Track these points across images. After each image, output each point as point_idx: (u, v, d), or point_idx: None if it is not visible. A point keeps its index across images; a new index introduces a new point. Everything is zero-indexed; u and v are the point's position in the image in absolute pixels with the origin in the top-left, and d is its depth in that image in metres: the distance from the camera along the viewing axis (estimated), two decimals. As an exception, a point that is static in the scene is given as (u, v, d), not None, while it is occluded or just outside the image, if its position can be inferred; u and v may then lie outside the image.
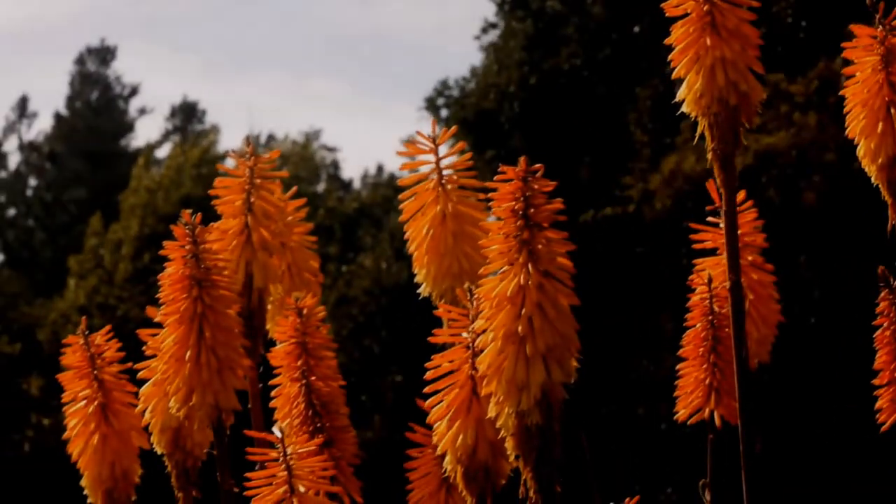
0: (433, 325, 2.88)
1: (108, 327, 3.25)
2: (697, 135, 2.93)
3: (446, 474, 2.83)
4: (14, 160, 39.49)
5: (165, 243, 2.90)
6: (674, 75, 2.88)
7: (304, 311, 3.08)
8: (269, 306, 3.37)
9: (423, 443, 3.02)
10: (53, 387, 20.46)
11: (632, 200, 16.12)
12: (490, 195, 2.64)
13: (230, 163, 3.38)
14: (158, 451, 3.18)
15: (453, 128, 3.33)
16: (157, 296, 2.93)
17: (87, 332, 3.19)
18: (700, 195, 3.77)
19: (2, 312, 23.62)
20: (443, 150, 3.19)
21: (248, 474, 2.76)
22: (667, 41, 2.91)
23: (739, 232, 3.07)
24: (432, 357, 2.78)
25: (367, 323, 17.63)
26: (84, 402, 3.18)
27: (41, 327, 22.13)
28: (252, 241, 3.29)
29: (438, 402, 2.78)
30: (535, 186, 2.60)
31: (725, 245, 2.95)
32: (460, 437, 2.76)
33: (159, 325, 2.97)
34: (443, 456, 2.79)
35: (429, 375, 2.78)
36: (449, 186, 3.18)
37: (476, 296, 2.71)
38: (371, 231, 20.30)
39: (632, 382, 15.62)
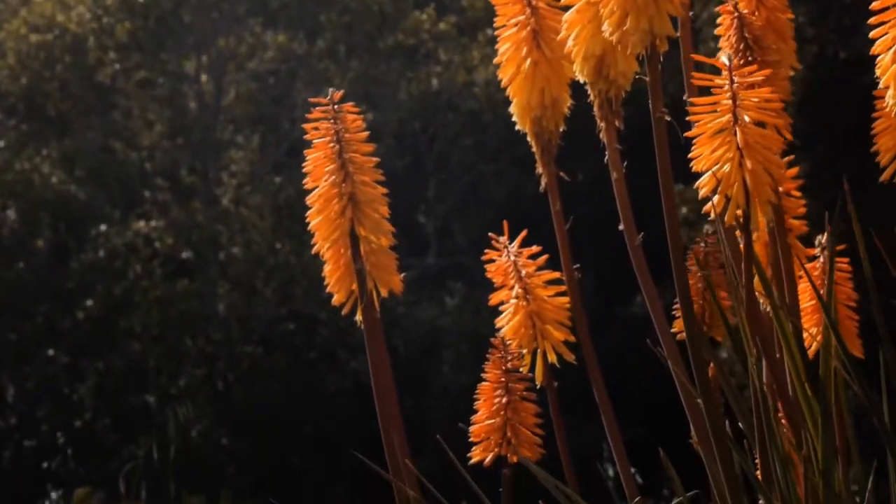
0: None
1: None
2: None
3: (889, 108, 2.77)
4: None
5: None
6: None
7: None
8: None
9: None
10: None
11: None
12: None
13: None
14: (581, 79, 3.18)
15: None
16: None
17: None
18: None
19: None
20: None
21: (691, 99, 2.77)
22: None
23: None
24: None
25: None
26: (516, 27, 3.17)
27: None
28: None
29: (883, 35, 2.70)
30: None
31: None
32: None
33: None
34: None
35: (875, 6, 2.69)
36: None
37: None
38: None
39: None
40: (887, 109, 2.79)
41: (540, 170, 3.21)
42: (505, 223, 3.15)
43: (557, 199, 3.18)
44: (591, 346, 3.12)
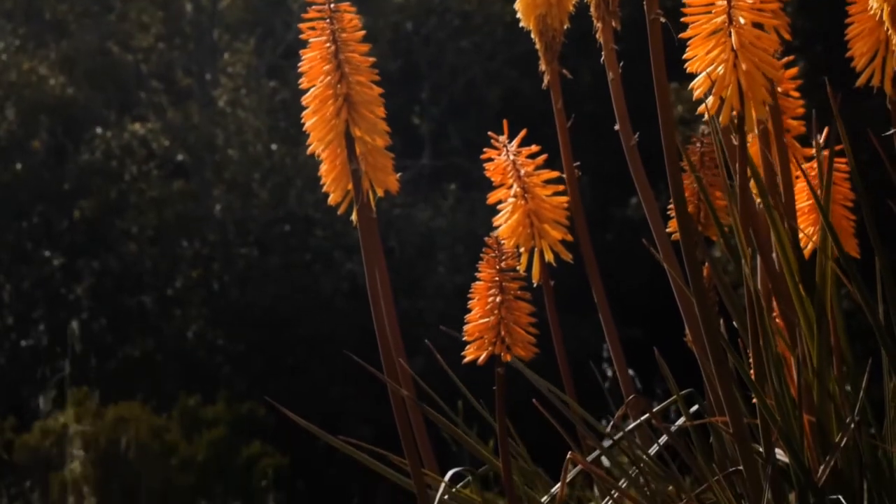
0: None
1: None
2: None
3: (873, 11, 2.76)
4: None
5: None
6: None
7: None
8: None
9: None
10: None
11: None
12: None
13: None
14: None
15: None
16: None
17: None
18: None
19: None
20: None
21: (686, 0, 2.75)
22: None
23: None
24: None
25: None
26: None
27: None
28: None
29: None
30: None
31: None
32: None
33: None
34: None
35: None
36: None
37: None
38: None
39: None
40: (870, 13, 2.78)
41: (543, 67, 3.21)
42: (504, 122, 3.15)
43: (560, 97, 3.18)
44: (590, 246, 3.13)
